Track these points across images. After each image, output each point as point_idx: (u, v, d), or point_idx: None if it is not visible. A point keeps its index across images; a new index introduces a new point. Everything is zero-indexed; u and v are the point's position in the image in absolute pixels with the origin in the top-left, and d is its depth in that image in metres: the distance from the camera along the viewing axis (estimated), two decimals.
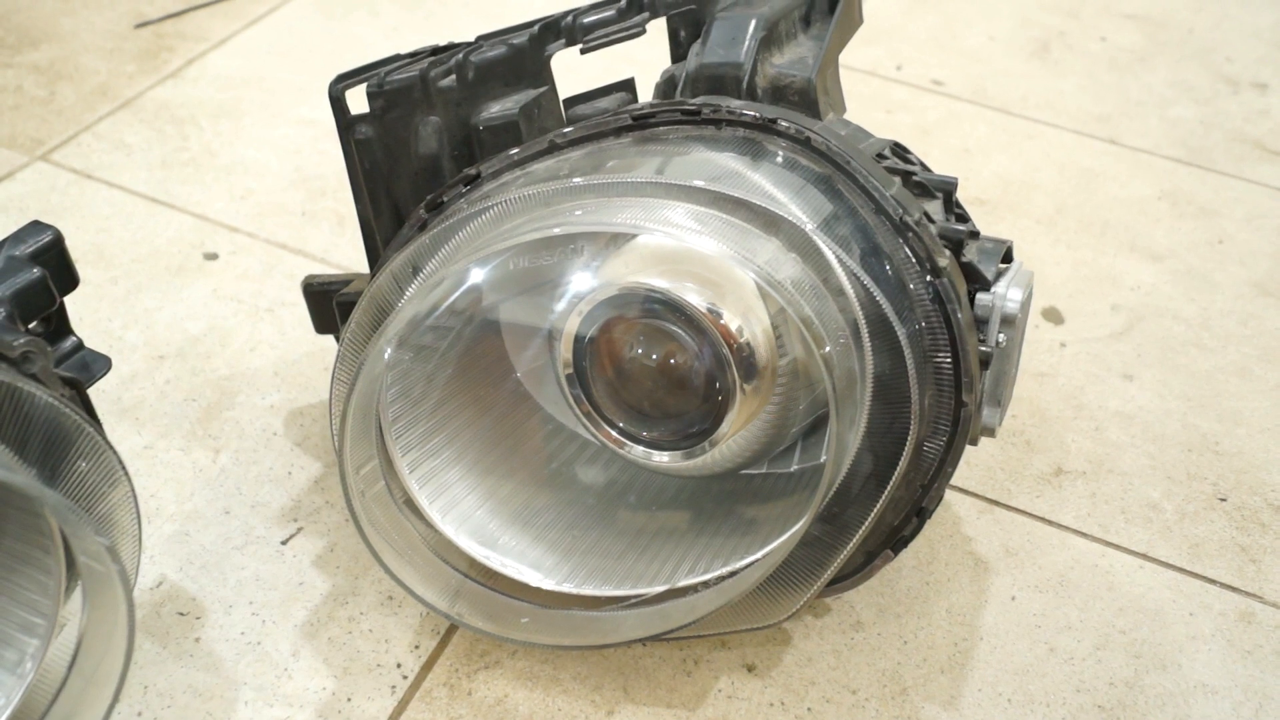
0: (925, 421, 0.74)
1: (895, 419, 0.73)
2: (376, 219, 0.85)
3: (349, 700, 0.81)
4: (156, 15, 1.47)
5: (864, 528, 0.74)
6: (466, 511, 0.83)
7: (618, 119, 0.78)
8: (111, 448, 0.68)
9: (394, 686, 0.82)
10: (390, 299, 0.75)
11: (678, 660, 0.84)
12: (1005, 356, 0.78)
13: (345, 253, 1.16)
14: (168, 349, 1.05)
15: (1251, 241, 1.22)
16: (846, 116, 0.85)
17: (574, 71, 0.90)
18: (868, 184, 0.74)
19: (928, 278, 0.73)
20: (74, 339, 0.75)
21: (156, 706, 0.81)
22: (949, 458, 0.75)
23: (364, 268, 0.93)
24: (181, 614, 0.86)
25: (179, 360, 1.04)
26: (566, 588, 0.81)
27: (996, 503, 0.96)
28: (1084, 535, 0.94)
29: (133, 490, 0.69)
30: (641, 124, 0.77)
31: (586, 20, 0.83)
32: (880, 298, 0.71)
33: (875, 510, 0.74)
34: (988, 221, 1.21)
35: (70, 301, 0.75)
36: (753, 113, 0.76)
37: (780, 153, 0.76)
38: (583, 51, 0.83)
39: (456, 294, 0.77)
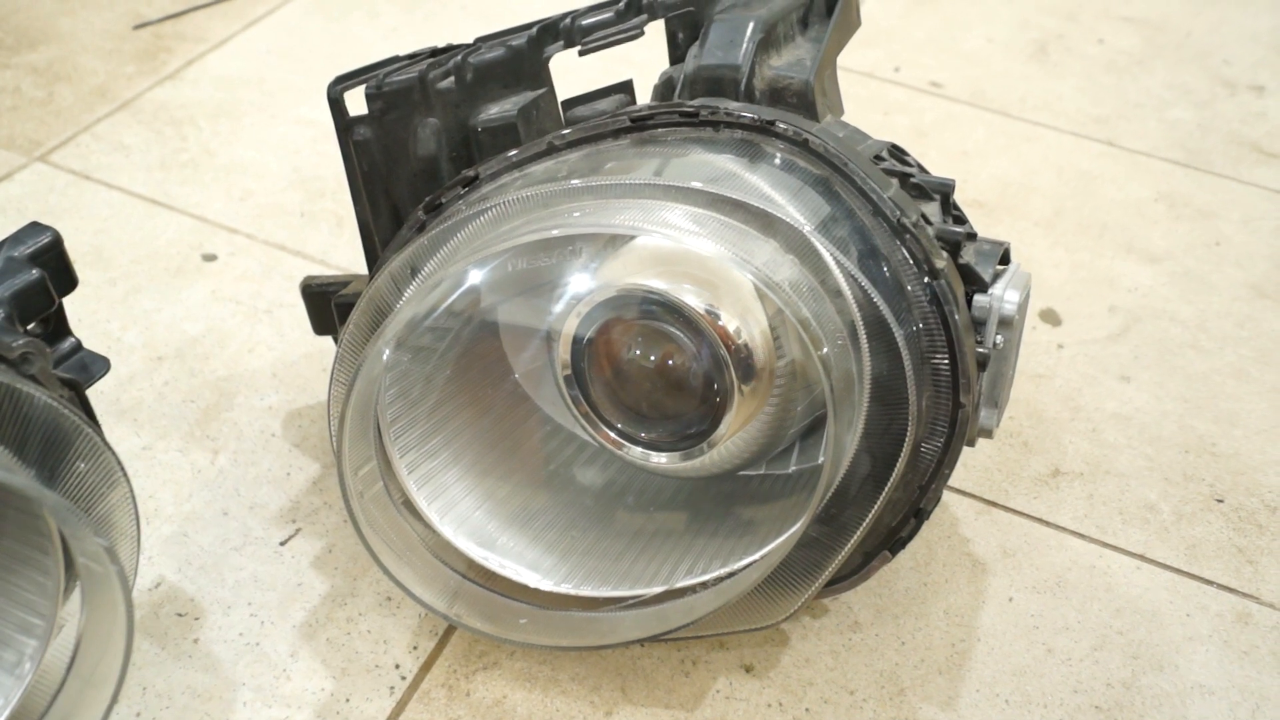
0: (923, 423, 0.74)
1: (893, 420, 0.73)
2: (375, 220, 0.85)
3: (347, 701, 0.81)
4: (155, 16, 1.47)
5: (862, 529, 0.74)
6: (465, 512, 0.83)
7: (616, 121, 0.78)
8: (110, 449, 0.68)
9: (392, 687, 0.82)
10: (389, 300, 0.75)
11: (676, 661, 0.85)
12: (1003, 358, 0.78)
13: (344, 254, 1.16)
14: (166, 350, 1.05)
15: (1249, 244, 1.22)
16: (844, 118, 0.85)
17: (572, 73, 0.90)
18: (865, 186, 0.74)
19: (925, 279, 0.73)
20: (73, 340, 0.75)
21: (155, 707, 0.81)
22: (946, 459, 0.75)
23: (362, 269, 0.93)
24: (180, 615, 0.86)
25: (177, 361, 1.04)
26: (565, 589, 0.81)
27: (994, 504, 0.96)
28: (1081, 536, 0.94)
29: (131, 491, 0.69)
30: (640, 126, 0.77)
31: (585, 22, 0.83)
32: (878, 299, 0.72)
33: (873, 511, 0.74)
34: (985, 223, 1.21)
35: (69, 303, 0.75)
36: (750, 115, 0.76)
37: (778, 154, 0.76)
38: (581, 53, 0.83)
39: (455, 295, 0.77)
